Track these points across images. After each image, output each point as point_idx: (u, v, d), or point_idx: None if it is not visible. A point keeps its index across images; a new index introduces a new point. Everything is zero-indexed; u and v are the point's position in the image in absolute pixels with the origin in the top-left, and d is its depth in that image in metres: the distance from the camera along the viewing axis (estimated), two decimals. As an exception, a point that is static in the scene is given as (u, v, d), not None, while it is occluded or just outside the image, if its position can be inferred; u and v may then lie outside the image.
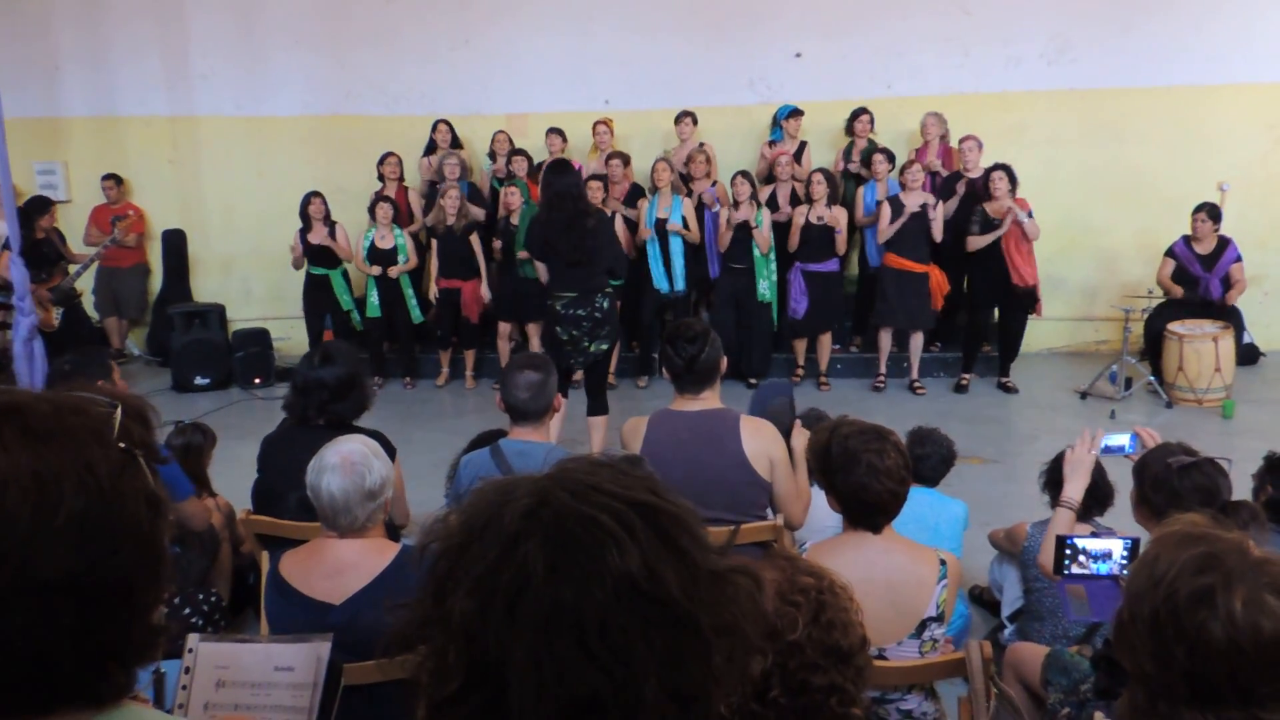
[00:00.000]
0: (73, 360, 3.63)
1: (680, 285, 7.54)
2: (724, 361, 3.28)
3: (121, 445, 0.90)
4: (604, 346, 5.43)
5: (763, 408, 3.72)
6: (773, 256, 7.45)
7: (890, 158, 7.62)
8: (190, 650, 2.10)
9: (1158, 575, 1.37)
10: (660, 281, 7.51)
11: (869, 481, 2.39)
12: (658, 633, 0.77)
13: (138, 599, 0.89)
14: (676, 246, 7.48)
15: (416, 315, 7.85)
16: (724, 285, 7.53)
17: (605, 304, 5.41)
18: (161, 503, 0.92)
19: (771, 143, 8.25)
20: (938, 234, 7.08)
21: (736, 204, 7.36)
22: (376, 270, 7.71)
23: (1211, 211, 7.23)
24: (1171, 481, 2.89)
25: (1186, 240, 7.33)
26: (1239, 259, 7.24)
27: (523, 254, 7.04)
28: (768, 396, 3.89)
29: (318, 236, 7.73)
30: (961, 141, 7.59)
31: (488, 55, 8.71)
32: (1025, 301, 7.22)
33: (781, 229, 7.49)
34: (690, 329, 3.21)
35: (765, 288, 7.41)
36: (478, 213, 7.83)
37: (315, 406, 3.28)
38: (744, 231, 7.30)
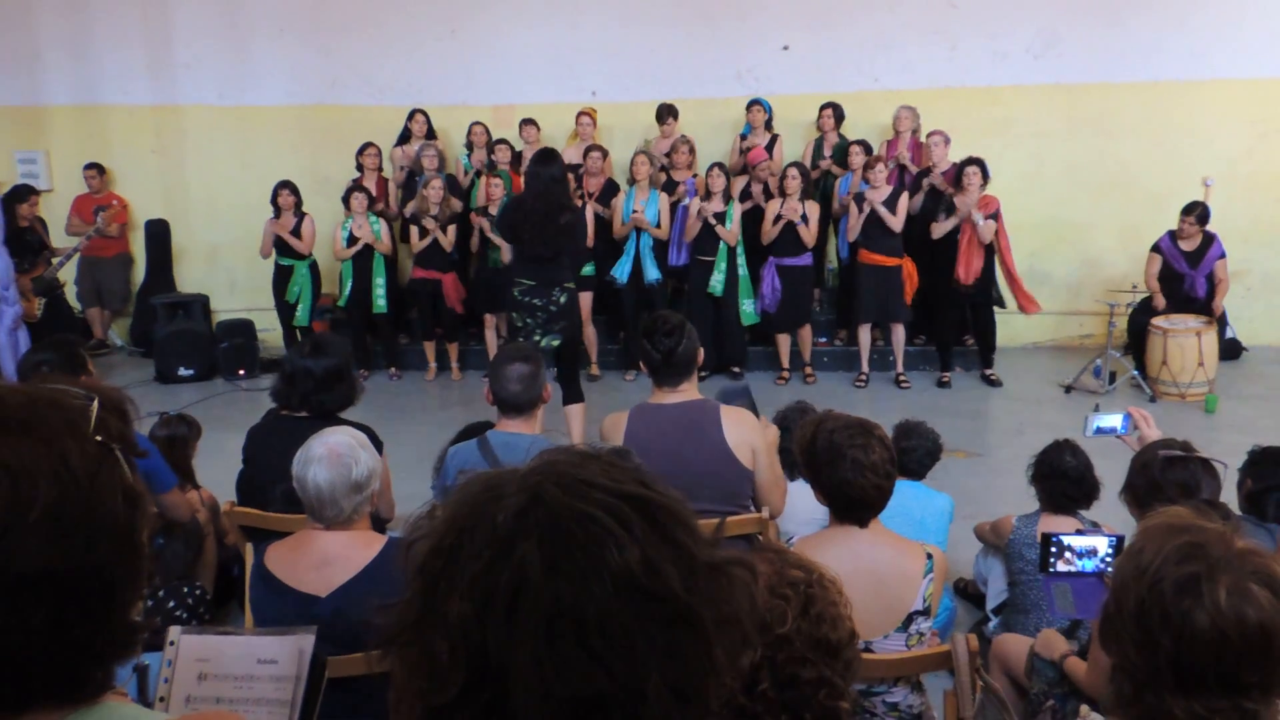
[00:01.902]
0: (45, 357, 3.51)
1: (654, 275, 7.49)
2: (701, 353, 3.29)
3: (98, 438, 0.88)
4: (555, 342, 5.36)
5: None
6: (740, 250, 7.43)
7: (868, 149, 7.61)
8: (172, 643, 2.08)
9: (1143, 565, 1.38)
10: (618, 270, 7.45)
11: (854, 477, 2.39)
12: (658, 628, 0.76)
13: (115, 595, 0.88)
14: (646, 239, 7.45)
15: (380, 305, 7.73)
16: (696, 277, 7.52)
17: (563, 299, 5.34)
18: (139, 497, 0.91)
19: (743, 136, 8.19)
20: (895, 226, 7.09)
21: (710, 195, 7.34)
22: (350, 253, 7.59)
23: (1201, 216, 7.21)
24: (1153, 470, 2.93)
25: (1172, 236, 7.35)
26: (1223, 256, 7.26)
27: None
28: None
29: (283, 228, 7.64)
30: (929, 136, 7.57)
31: (473, 46, 8.66)
32: (981, 297, 7.25)
33: (754, 223, 7.46)
34: (666, 322, 3.21)
35: (716, 281, 7.38)
36: (456, 205, 7.77)
37: (300, 396, 3.30)
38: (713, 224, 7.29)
